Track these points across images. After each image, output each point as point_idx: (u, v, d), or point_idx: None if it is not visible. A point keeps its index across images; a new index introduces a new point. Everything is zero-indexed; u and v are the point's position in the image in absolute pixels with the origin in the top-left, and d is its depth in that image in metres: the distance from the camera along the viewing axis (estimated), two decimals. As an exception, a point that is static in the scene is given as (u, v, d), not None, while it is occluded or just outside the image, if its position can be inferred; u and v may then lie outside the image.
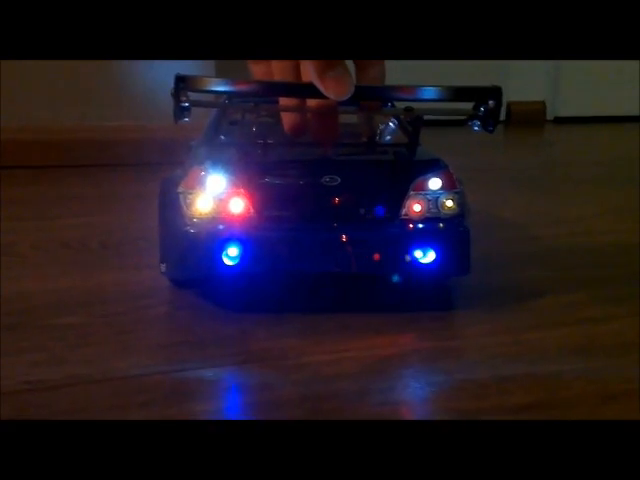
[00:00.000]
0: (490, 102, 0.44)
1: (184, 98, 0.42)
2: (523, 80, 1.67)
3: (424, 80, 0.45)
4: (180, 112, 0.42)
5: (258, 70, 0.46)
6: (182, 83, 0.41)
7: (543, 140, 1.69)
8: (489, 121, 0.44)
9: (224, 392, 0.37)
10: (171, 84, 0.42)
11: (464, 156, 0.51)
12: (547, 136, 1.76)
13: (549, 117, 1.87)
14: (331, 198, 0.46)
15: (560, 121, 1.85)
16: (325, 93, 0.40)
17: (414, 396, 0.36)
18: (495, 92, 0.44)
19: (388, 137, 0.54)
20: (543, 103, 1.85)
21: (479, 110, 0.44)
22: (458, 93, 0.44)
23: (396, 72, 0.49)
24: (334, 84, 0.40)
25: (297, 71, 0.43)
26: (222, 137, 0.53)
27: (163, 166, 0.57)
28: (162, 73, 1.04)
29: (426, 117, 0.48)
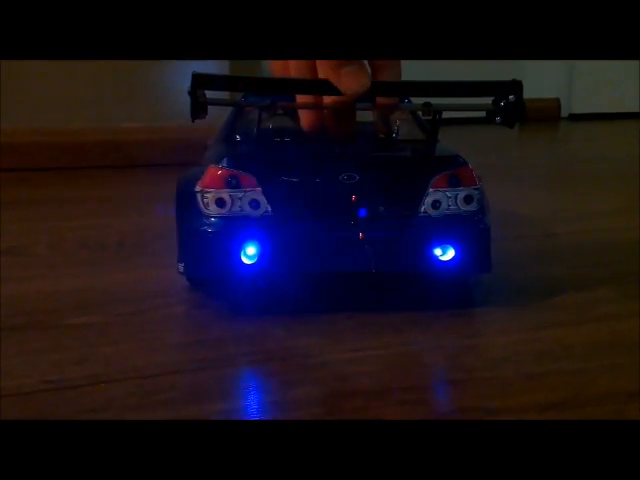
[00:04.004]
0: (510, 97, 0.43)
1: (201, 96, 0.42)
2: (538, 77, 1.66)
3: (438, 75, 0.44)
4: (197, 110, 0.42)
5: (275, 66, 0.46)
6: (199, 81, 0.41)
7: (558, 137, 1.68)
8: (510, 116, 0.44)
9: (244, 392, 0.37)
10: (183, 85, 0.41)
11: (479, 153, 0.51)
12: (562, 133, 1.74)
13: (564, 114, 1.85)
14: (349, 196, 0.45)
15: (575, 118, 1.84)
16: (340, 89, 0.40)
17: (437, 394, 0.36)
18: (516, 86, 0.43)
19: (406, 133, 0.53)
20: (558, 100, 1.84)
21: (499, 105, 0.44)
22: (478, 88, 0.43)
23: (410, 70, 0.49)
24: (349, 79, 0.39)
25: (313, 67, 0.42)
26: (239, 135, 0.53)
27: (176, 167, 0.57)
28: (174, 74, 1.04)
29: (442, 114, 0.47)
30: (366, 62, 0.42)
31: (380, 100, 0.45)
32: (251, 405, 0.35)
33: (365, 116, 0.51)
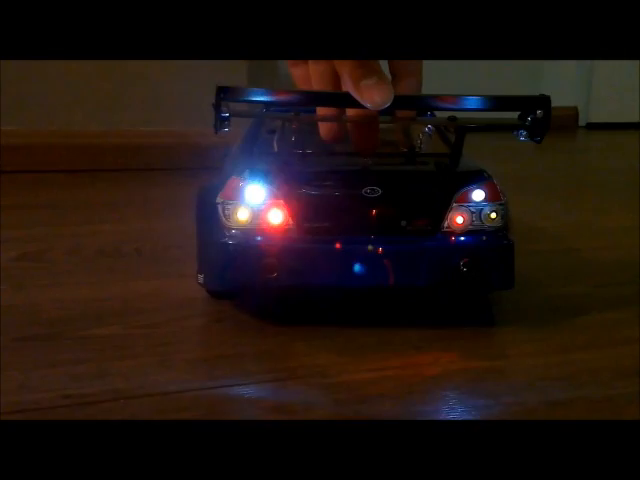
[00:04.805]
0: (538, 112, 0.42)
1: (224, 108, 0.42)
2: (555, 86, 1.64)
3: (458, 85, 0.44)
4: (220, 122, 0.42)
5: (297, 73, 0.45)
6: (223, 94, 0.41)
7: (576, 146, 1.67)
8: (537, 131, 0.43)
9: (263, 412, 0.36)
10: (202, 88, 0.41)
11: (494, 163, 0.50)
12: (579, 142, 1.73)
13: (581, 123, 1.84)
14: (372, 210, 0.45)
15: (592, 127, 1.82)
16: (361, 102, 0.39)
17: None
18: (544, 102, 0.42)
19: (430, 147, 0.53)
20: (575, 109, 1.83)
21: (526, 120, 0.43)
22: (505, 102, 0.43)
23: (433, 83, 0.48)
24: (370, 93, 0.39)
25: (335, 77, 0.42)
26: (260, 146, 0.52)
27: (194, 171, 0.56)
28: (194, 78, 1.04)
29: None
30: (385, 69, 0.42)
31: (401, 113, 0.44)
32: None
33: (388, 129, 0.50)
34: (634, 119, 1.79)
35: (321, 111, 0.45)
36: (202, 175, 0.50)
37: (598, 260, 0.63)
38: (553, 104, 0.42)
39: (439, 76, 0.65)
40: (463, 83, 0.85)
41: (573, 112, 1.83)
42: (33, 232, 0.68)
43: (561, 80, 1.71)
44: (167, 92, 1.10)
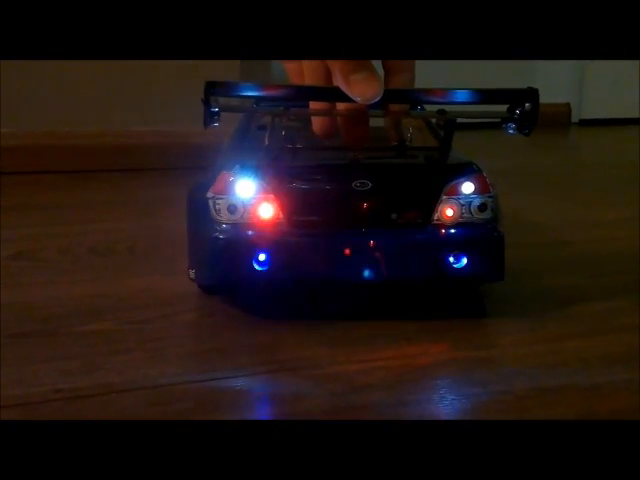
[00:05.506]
0: (526, 104, 0.43)
1: (214, 103, 0.42)
2: (548, 82, 1.65)
3: (450, 81, 0.44)
4: (210, 117, 0.42)
5: (290, 66, 0.45)
6: (212, 89, 0.41)
7: (568, 143, 1.67)
8: (525, 124, 0.43)
9: (256, 402, 0.36)
10: (195, 88, 0.41)
11: (488, 158, 0.50)
12: (572, 139, 1.73)
13: (574, 119, 1.84)
14: (362, 203, 0.45)
15: (585, 123, 1.83)
16: (351, 96, 0.39)
17: (451, 409, 0.35)
18: (532, 94, 0.42)
19: (419, 140, 0.53)
20: (568, 105, 1.83)
21: (514, 113, 0.43)
22: (493, 95, 0.43)
23: (423, 77, 0.48)
24: (360, 87, 0.39)
25: (328, 72, 0.42)
26: (251, 141, 0.52)
27: (187, 170, 0.56)
28: (189, 78, 1.04)
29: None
30: (378, 64, 0.42)
31: (391, 106, 0.44)
32: (262, 417, 0.35)
33: (378, 122, 0.51)
34: (627, 115, 1.80)
35: (313, 106, 0.46)
36: (195, 174, 0.50)
37: (590, 252, 0.63)
38: (546, 101, 0.42)
39: (432, 71, 0.65)
40: (455, 79, 0.85)
41: (566, 109, 1.83)
42: (26, 231, 0.68)
43: (554, 77, 1.71)
44: (162, 92, 1.10)
